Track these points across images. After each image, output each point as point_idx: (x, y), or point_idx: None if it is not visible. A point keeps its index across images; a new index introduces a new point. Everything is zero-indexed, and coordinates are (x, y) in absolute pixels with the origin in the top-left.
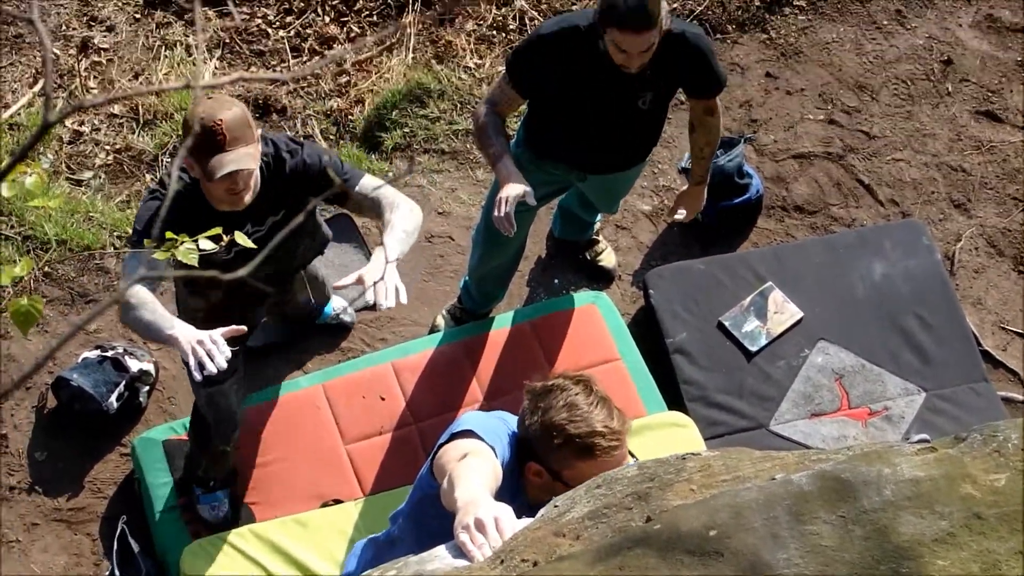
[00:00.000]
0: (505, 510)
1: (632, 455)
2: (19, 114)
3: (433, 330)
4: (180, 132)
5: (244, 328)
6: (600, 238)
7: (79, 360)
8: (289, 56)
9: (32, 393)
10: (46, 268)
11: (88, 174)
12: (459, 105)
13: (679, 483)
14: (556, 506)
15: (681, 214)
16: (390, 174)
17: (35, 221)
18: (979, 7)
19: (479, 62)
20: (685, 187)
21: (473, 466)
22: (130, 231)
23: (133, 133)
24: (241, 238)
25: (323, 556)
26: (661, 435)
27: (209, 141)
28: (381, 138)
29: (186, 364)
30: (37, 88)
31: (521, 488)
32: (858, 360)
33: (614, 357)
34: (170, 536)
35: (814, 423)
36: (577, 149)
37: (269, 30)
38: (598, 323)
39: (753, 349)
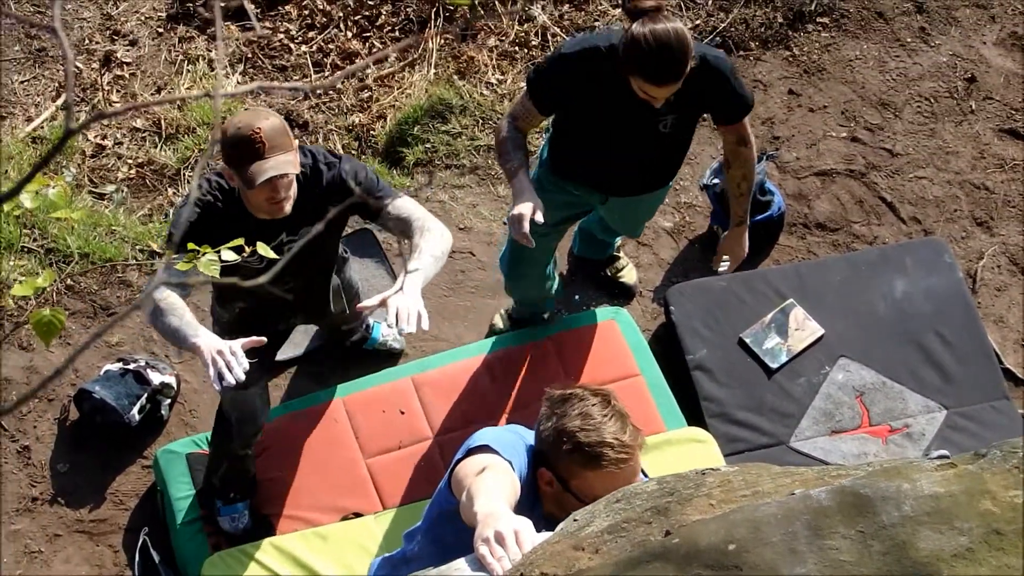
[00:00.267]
0: (525, 523)
1: (644, 474)
2: (42, 127)
3: (491, 330)
4: (202, 147)
5: (264, 340)
6: (621, 255)
7: (101, 373)
8: (311, 71)
9: (55, 405)
10: (68, 281)
11: (111, 188)
12: (481, 121)
13: (698, 498)
14: (575, 520)
15: (725, 264)
16: (410, 188)
17: (58, 234)
18: (1003, 24)
19: (501, 78)
20: (725, 233)
21: (491, 480)
22: (152, 244)
23: (155, 147)
24: (264, 249)
25: (343, 569)
26: (681, 451)
27: (248, 149)
28: (403, 153)
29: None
30: (60, 102)
31: (538, 501)
32: (879, 377)
33: (634, 373)
34: (191, 548)
35: (834, 440)
36: (598, 171)
37: (291, 45)
38: (618, 339)
39: (774, 366)
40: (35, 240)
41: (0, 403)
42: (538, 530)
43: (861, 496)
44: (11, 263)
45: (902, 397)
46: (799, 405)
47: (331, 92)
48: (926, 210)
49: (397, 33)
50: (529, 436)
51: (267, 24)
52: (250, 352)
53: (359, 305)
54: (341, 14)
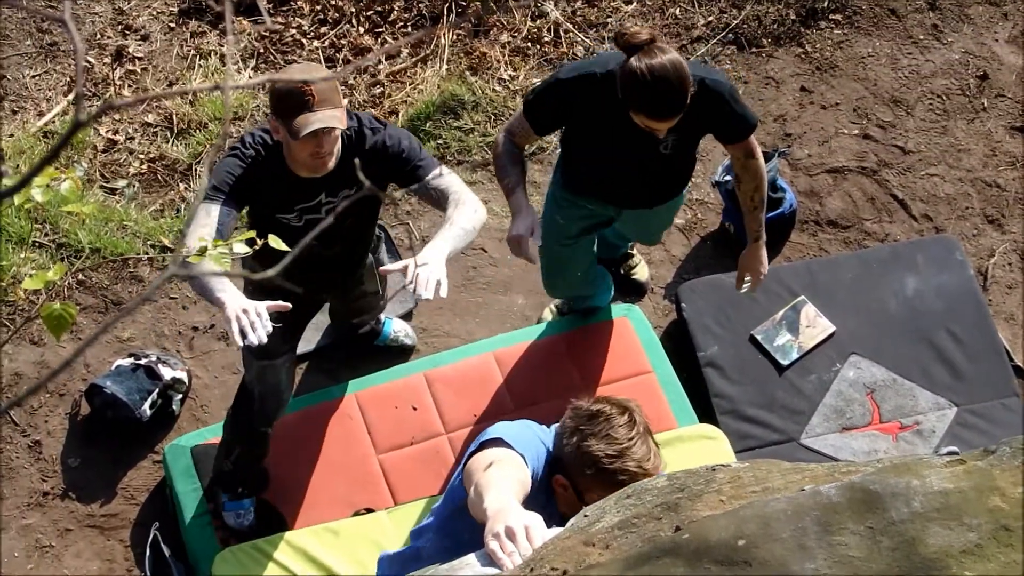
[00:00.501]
0: (535, 519)
1: None
2: (54, 122)
3: (540, 323)
4: (213, 141)
5: (288, 305)
6: (634, 252)
7: (113, 368)
8: (323, 66)
9: (66, 400)
10: (80, 276)
11: (122, 183)
12: (493, 117)
13: (708, 494)
14: (586, 516)
15: (747, 285)
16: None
17: (69, 229)
18: (1016, 22)
19: (513, 74)
20: (744, 251)
21: (501, 475)
22: (163, 240)
23: (167, 142)
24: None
25: (354, 564)
26: (692, 447)
27: (297, 101)
28: None
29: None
30: (72, 96)
31: (551, 499)
32: (890, 375)
33: (646, 370)
34: (201, 543)
35: (845, 437)
36: (607, 187)
37: (304, 40)
38: (630, 336)
39: (785, 363)
40: (46, 235)
41: (11, 397)
42: (550, 526)
43: (871, 492)
44: (22, 257)
45: (913, 394)
46: (810, 402)
47: (343, 87)
48: (938, 207)
49: (409, 29)
50: (544, 434)
51: (279, 19)
52: (275, 317)
53: (382, 268)
54: (353, 9)
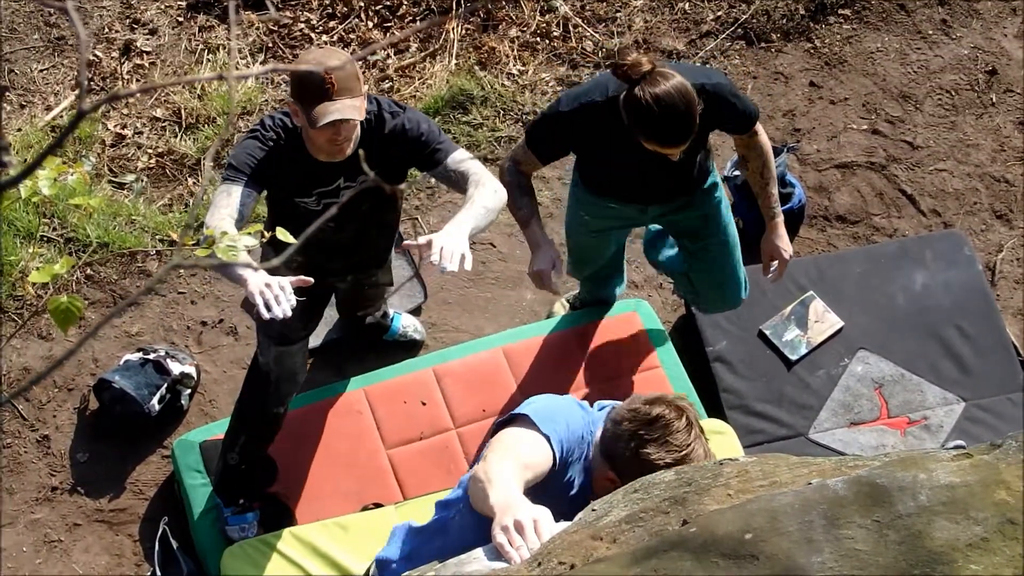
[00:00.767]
0: (544, 513)
1: None
2: (61, 116)
3: (550, 317)
4: (222, 134)
5: (310, 280)
6: None
7: (121, 362)
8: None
9: (74, 395)
10: (88, 271)
11: (130, 177)
12: (502, 112)
13: (716, 488)
14: (593, 510)
15: (773, 270)
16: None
17: (77, 223)
18: None
19: (522, 68)
20: (764, 235)
21: (507, 465)
22: (172, 234)
23: (175, 137)
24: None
25: (363, 559)
26: None
27: (317, 88)
28: None
29: (257, 316)
30: (79, 90)
31: (588, 481)
32: (898, 370)
33: (654, 365)
34: (209, 538)
35: (853, 432)
36: (622, 187)
37: (312, 35)
38: (639, 331)
39: (793, 358)
40: (54, 229)
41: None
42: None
43: (877, 486)
44: (30, 252)
45: (920, 389)
46: (818, 397)
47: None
48: (946, 203)
49: (418, 23)
50: (586, 413)
51: (287, 13)
52: (297, 292)
53: (404, 244)
54: (362, 3)
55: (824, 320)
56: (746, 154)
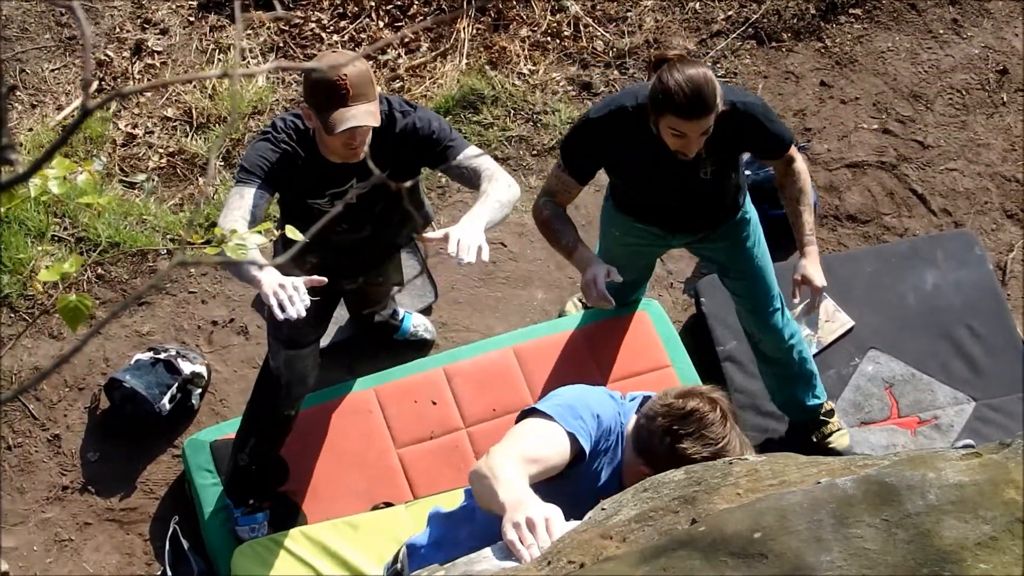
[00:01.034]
0: (555, 511)
1: None
2: (72, 116)
3: (561, 316)
4: (233, 135)
5: (324, 280)
6: (833, 417)
7: (132, 362)
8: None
9: (85, 394)
10: (99, 271)
11: (141, 177)
12: (512, 111)
13: (726, 487)
14: (603, 509)
15: (805, 303)
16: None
17: (88, 223)
18: None
19: (533, 68)
20: (798, 261)
21: (509, 463)
22: (182, 234)
23: (186, 136)
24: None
25: (373, 558)
26: None
27: (332, 94)
28: None
29: (269, 319)
30: (91, 90)
31: (619, 473)
32: (908, 369)
33: (664, 364)
34: (220, 537)
35: (863, 431)
36: (651, 212)
37: (323, 35)
38: (649, 330)
39: None
40: (65, 229)
41: (35, 392)
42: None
43: (886, 485)
44: (39, 251)
45: (931, 389)
46: (829, 397)
47: None
48: (956, 202)
49: (428, 22)
50: (619, 404)
51: (298, 13)
52: (311, 291)
53: (423, 235)
54: (373, 3)
55: (835, 320)
56: (783, 182)
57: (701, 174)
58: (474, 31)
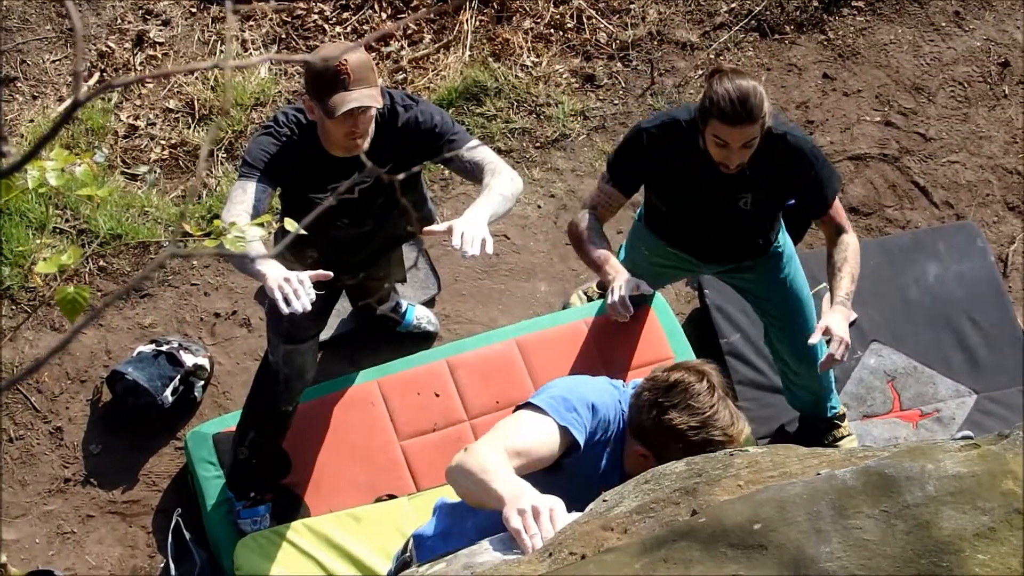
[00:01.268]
0: (558, 503)
1: None
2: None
3: (565, 308)
4: (235, 127)
5: (330, 274)
6: (844, 421)
7: (134, 354)
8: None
9: (87, 387)
10: (101, 263)
11: (143, 168)
12: (515, 103)
13: (726, 479)
14: (605, 500)
15: (831, 348)
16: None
17: (89, 215)
18: None
19: (536, 60)
20: (824, 310)
21: (494, 456)
22: (184, 225)
23: (188, 128)
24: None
25: (376, 551)
26: None
27: (332, 80)
28: None
29: (269, 314)
30: (92, 81)
31: (620, 462)
32: (910, 362)
33: (667, 356)
34: (222, 530)
35: (865, 424)
36: (684, 237)
37: (326, 26)
38: (652, 323)
39: None
40: (67, 221)
41: (29, 382)
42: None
43: (885, 476)
44: (39, 243)
45: (933, 382)
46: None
47: None
48: (958, 194)
49: (431, 14)
50: (620, 394)
51: (301, 4)
52: (315, 285)
53: (426, 229)
54: None
55: None
56: (831, 250)
57: (741, 203)
58: (477, 23)
